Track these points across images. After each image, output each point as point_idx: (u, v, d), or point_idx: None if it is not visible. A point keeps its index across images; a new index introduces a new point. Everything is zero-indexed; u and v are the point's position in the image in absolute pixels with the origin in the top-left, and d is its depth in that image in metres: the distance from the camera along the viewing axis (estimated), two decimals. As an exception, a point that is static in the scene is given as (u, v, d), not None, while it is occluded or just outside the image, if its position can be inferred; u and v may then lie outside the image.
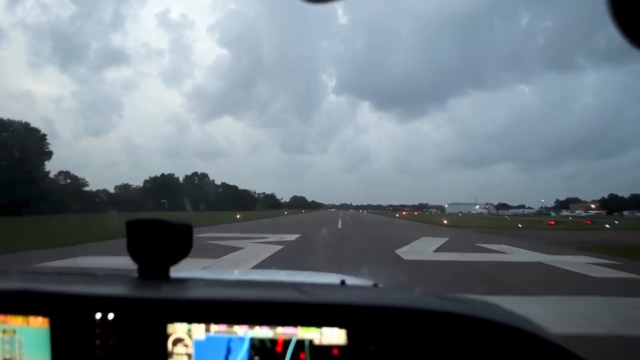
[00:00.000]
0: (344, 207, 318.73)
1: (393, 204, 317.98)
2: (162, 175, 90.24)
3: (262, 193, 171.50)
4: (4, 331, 0.81)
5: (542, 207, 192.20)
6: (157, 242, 0.91)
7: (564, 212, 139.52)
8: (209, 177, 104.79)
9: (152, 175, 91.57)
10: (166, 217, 0.93)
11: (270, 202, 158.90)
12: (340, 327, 0.74)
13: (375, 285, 1.09)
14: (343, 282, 1.02)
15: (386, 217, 70.91)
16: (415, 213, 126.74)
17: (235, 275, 1.94)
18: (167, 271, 0.94)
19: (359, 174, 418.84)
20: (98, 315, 0.77)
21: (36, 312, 0.80)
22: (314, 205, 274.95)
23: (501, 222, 51.24)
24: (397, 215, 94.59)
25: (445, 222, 40.32)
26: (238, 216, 44.85)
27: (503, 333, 0.74)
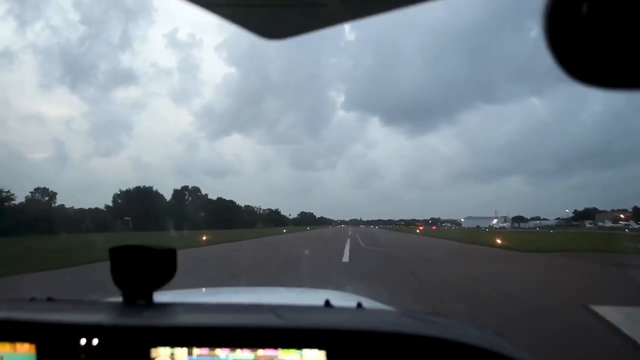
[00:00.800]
0: (353, 222, 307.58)
1: (404, 218, 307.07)
2: (137, 188, 77.85)
3: (267, 209, 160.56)
4: None
5: (559, 218, 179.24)
6: (140, 267, 0.94)
7: (588, 224, 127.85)
8: (201, 192, 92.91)
9: (124, 189, 79.99)
10: (149, 243, 0.94)
11: (274, 219, 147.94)
12: (320, 348, 0.75)
13: (359, 305, 1.06)
14: (327, 302, 1.02)
15: (406, 235, 60.31)
16: (434, 228, 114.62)
17: (218, 296, 1.87)
18: (151, 296, 0.96)
19: (368, 189, 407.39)
20: (83, 341, 0.78)
21: (23, 339, 0.81)
22: (323, 222, 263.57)
23: (554, 238, 40.01)
24: (416, 230, 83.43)
25: (498, 241, 28.71)
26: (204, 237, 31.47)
27: (477, 356, 0.74)
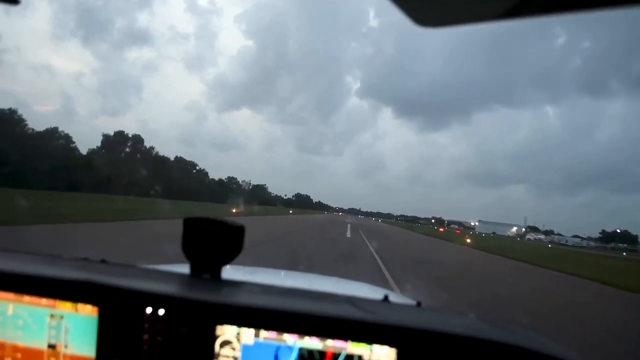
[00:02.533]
0: (352, 212, 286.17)
1: (405, 214, 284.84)
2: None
3: (250, 183, 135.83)
4: (52, 316, 0.80)
5: (577, 236, 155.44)
6: (210, 241, 0.92)
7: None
8: (144, 145, 65.34)
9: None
10: (221, 217, 0.94)
11: (258, 196, 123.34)
12: (391, 345, 0.72)
13: (418, 304, 1.02)
14: (386, 298, 0.99)
15: (435, 241, 37.90)
16: (458, 232, 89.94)
17: (287, 280, 1.88)
18: (219, 271, 0.94)
19: (371, 179, 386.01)
20: (149, 310, 0.76)
21: (86, 300, 0.79)
22: (319, 207, 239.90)
23: None
24: (434, 232, 59.23)
25: None
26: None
27: None
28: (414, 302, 1.02)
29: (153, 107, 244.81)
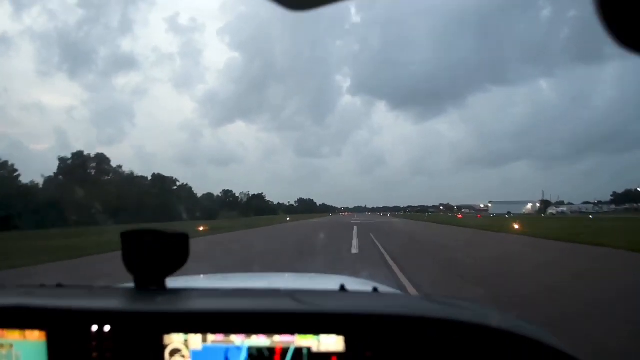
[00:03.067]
0: (358, 210, 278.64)
1: (412, 204, 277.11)
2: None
3: (247, 194, 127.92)
4: (1, 346, 0.79)
5: (587, 202, 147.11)
6: (152, 252, 0.90)
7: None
8: (109, 163, 55.84)
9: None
10: (161, 227, 0.92)
11: (257, 207, 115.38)
12: (338, 334, 0.72)
13: (375, 290, 1.03)
14: (343, 287, 0.99)
15: (464, 231, 29.90)
16: (479, 216, 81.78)
17: (231, 282, 1.81)
18: (163, 282, 0.93)
19: (374, 175, 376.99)
20: (94, 328, 0.76)
21: (33, 326, 0.78)
22: (324, 210, 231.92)
23: None
24: (454, 219, 51.14)
25: None
26: None
27: (501, 339, 0.72)
28: (370, 288, 1.02)
29: (147, 131, 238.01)
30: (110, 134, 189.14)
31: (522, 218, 74.23)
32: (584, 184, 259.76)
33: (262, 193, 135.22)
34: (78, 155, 54.53)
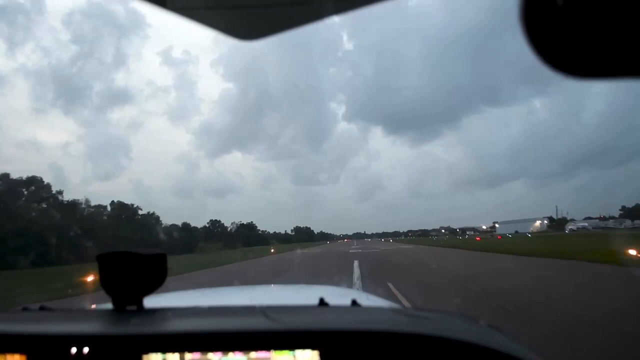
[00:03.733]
0: (357, 236, 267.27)
1: (412, 229, 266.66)
2: None
3: (236, 223, 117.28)
4: None
5: (589, 218, 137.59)
6: (129, 274, 0.92)
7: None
8: (50, 189, 45.34)
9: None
10: (137, 249, 0.95)
11: (246, 236, 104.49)
12: (313, 349, 0.74)
13: (354, 302, 1.05)
14: (322, 301, 1.01)
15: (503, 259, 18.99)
16: (478, 239, 71.57)
17: (210, 298, 1.86)
18: (141, 302, 0.95)
19: (372, 201, 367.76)
20: (73, 350, 0.77)
21: (13, 350, 0.79)
22: (322, 237, 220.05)
23: None
24: (464, 242, 40.98)
25: None
26: None
27: (474, 354, 0.73)
28: (349, 302, 1.03)
29: (142, 164, 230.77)
30: (106, 168, 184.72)
31: (545, 237, 64.12)
32: (587, 198, 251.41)
33: (252, 222, 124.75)
34: (2, 178, 44.06)
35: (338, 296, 1.47)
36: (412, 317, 0.84)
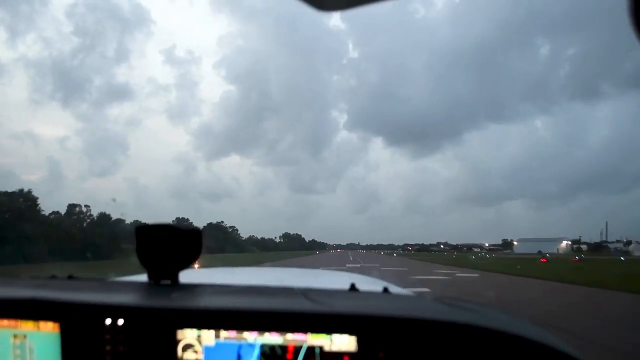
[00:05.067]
0: (351, 247, 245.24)
1: (408, 242, 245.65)
2: None
3: (208, 225, 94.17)
4: (15, 336, 0.80)
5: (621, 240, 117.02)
6: (166, 247, 0.92)
7: None
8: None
9: None
10: (175, 223, 0.94)
11: (218, 239, 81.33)
12: (351, 334, 0.72)
13: (385, 290, 1.02)
14: (353, 286, 0.99)
15: None
16: (544, 260, 49.10)
17: (243, 277, 1.81)
18: (177, 276, 0.94)
19: (368, 212, 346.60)
20: (108, 321, 0.76)
21: (46, 318, 0.78)
22: (313, 246, 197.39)
23: None
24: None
25: None
26: None
27: (513, 343, 0.71)
28: (380, 288, 1.01)
29: (140, 162, 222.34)
30: (103, 165, 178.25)
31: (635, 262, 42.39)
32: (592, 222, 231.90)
33: (223, 222, 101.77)
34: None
35: (367, 283, 1.43)
36: (450, 306, 0.81)
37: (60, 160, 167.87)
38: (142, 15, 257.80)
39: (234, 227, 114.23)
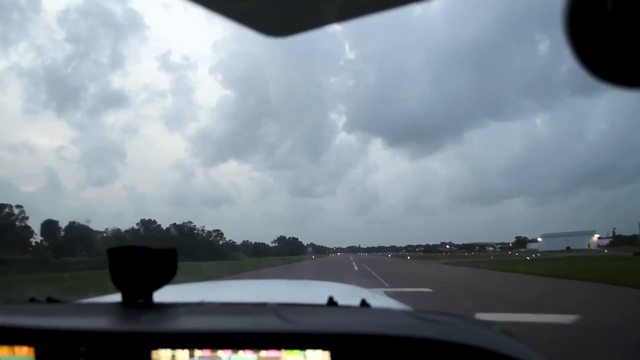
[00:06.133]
0: (352, 249, 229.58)
1: (411, 244, 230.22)
2: None
3: (181, 224, 78.19)
4: None
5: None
6: (139, 268, 0.91)
7: None
8: None
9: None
10: (148, 244, 0.93)
11: (183, 243, 65.10)
12: (324, 349, 0.71)
13: (363, 303, 1.02)
14: (331, 300, 0.99)
15: None
16: None
17: (219, 292, 1.74)
18: (151, 297, 0.93)
19: (369, 214, 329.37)
20: (82, 347, 0.75)
21: (21, 343, 0.77)
22: (309, 250, 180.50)
23: None
24: None
25: None
26: None
27: (484, 358, 0.71)
28: (358, 302, 1.01)
29: (138, 170, 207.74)
30: (100, 174, 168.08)
31: None
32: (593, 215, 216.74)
33: (190, 222, 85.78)
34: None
35: (346, 295, 1.44)
36: (425, 321, 0.80)
37: (57, 170, 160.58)
38: (136, 21, 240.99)
39: (218, 230, 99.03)
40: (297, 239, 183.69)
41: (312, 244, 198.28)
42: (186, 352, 0.73)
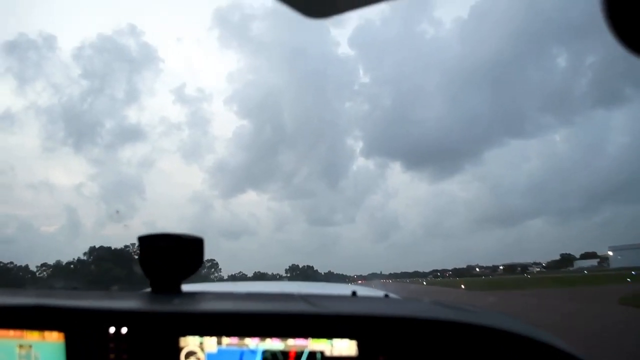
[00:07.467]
0: (373, 277, 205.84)
1: (436, 268, 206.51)
2: None
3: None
4: (21, 346, 0.79)
5: None
6: (168, 256, 0.91)
7: None
8: None
9: None
10: (176, 232, 0.93)
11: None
12: (351, 338, 0.71)
13: (386, 296, 1.05)
14: (354, 294, 1.00)
15: None
16: None
17: (245, 288, 1.83)
18: (179, 285, 0.94)
19: (390, 240, 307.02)
20: (112, 329, 0.75)
21: (51, 327, 0.78)
22: (330, 279, 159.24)
23: None
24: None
25: None
26: None
27: (514, 342, 0.71)
28: (381, 295, 1.03)
29: (156, 206, 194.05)
30: (120, 209, 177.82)
31: None
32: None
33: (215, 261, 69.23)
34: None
35: (369, 292, 1.49)
36: (452, 309, 0.81)
37: (76, 208, 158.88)
38: (150, 55, 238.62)
39: (212, 260, 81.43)
40: (312, 267, 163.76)
41: (330, 272, 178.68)
42: (214, 339, 0.72)
